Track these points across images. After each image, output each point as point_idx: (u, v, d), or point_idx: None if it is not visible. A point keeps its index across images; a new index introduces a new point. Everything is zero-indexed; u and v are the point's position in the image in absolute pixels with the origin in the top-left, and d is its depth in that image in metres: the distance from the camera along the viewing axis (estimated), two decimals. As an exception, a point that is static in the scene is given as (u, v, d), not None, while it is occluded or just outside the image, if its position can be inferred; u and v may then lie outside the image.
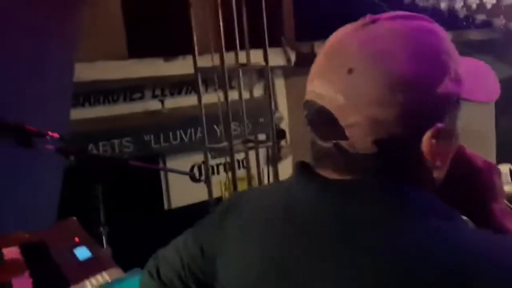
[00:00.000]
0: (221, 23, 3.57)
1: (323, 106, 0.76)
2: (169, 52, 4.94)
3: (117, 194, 4.55)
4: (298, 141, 5.45)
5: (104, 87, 4.93)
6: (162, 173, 5.12)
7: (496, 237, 0.77)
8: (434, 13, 5.78)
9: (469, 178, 0.87)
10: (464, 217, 0.80)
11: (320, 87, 0.77)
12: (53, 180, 2.87)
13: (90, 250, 2.20)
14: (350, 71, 0.73)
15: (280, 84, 5.69)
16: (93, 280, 1.92)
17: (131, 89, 5.09)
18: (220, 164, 5.34)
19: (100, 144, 4.77)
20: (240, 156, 4.79)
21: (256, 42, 4.07)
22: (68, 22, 2.89)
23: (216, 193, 4.42)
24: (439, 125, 0.75)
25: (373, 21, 0.77)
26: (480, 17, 6.05)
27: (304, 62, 2.87)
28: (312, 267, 0.77)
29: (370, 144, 0.74)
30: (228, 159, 4.12)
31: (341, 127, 0.75)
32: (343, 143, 0.76)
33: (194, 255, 1.00)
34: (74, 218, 2.59)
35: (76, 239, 2.33)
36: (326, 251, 0.76)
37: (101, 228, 2.47)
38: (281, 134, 5.43)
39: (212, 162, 5.44)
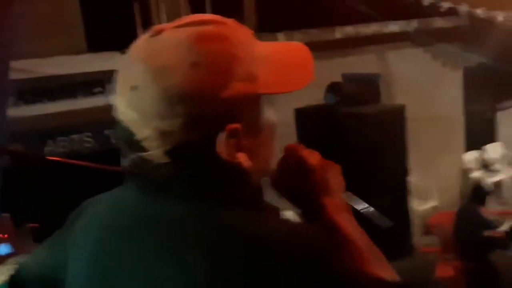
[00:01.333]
0: (165, 16, 3.55)
1: (121, 121, 0.79)
2: (128, 46, 4.91)
3: (73, 193, 4.54)
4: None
5: (63, 82, 4.90)
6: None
7: (288, 227, 0.79)
8: (399, 1, 5.77)
9: (302, 176, 0.90)
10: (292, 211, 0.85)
11: (117, 103, 0.80)
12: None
13: (14, 246, 2.22)
14: (134, 87, 0.76)
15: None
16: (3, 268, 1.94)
17: (91, 83, 5.05)
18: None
19: (59, 139, 4.74)
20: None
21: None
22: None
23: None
24: (232, 126, 0.76)
25: (159, 32, 0.79)
26: (445, 5, 6.06)
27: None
28: (130, 276, 0.80)
29: (163, 154, 0.76)
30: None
31: (138, 141, 0.77)
32: (144, 155, 0.78)
33: (47, 260, 1.00)
34: (8, 215, 2.59)
35: (5, 235, 2.35)
36: (140, 257, 0.79)
37: (26, 226, 2.48)
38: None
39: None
